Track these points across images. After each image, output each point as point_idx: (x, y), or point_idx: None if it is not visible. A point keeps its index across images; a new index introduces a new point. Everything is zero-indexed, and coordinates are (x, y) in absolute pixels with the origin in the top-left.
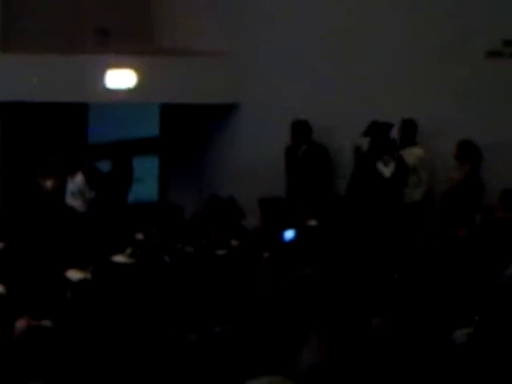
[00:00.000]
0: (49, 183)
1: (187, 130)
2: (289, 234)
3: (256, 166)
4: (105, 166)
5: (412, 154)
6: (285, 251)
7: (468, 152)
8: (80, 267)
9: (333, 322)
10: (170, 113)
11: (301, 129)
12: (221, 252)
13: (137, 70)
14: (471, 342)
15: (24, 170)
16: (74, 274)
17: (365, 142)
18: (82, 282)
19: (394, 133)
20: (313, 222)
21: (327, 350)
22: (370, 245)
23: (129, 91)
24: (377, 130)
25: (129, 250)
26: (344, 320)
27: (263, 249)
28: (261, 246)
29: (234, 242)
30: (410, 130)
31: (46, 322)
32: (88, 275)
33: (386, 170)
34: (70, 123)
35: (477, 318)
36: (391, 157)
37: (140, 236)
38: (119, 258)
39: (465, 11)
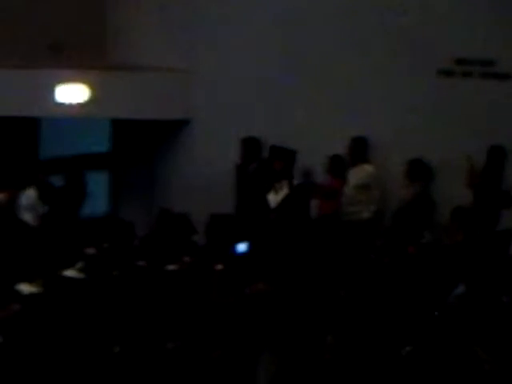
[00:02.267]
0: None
1: (138, 146)
2: (241, 247)
3: (206, 182)
4: (57, 180)
5: (363, 172)
6: (238, 264)
7: (418, 170)
8: (31, 281)
9: (285, 338)
10: (121, 128)
11: (251, 146)
12: (172, 267)
13: (88, 84)
14: (416, 356)
15: None
16: (24, 288)
17: None
18: (32, 295)
19: (343, 150)
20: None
21: (279, 367)
22: (317, 262)
23: (80, 106)
24: (276, 155)
25: (79, 265)
26: (296, 337)
27: (215, 262)
28: (212, 259)
29: (186, 258)
30: (359, 147)
31: None
32: (38, 289)
33: (274, 199)
34: (22, 138)
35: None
36: (285, 185)
37: (91, 251)
38: (69, 273)
39: (418, 27)
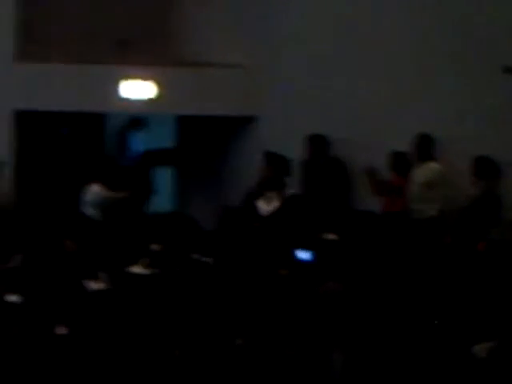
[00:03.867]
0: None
1: (204, 142)
2: (303, 254)
3: None
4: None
5: (429, 169)
6: (303, 270)
7: (485, 168)
8: (96, 277)
9: (356, 337)
10: (188, 124)
11: (318, 142)
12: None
13: (154, 80)
14: (492, 356)
15: (39, 180)
16: (91, 284)
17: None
18: (98, 291)
19: (407, 148)
20: (331, 236)
21: (349, 365)
22: (386, 260)
23: (146, 102)
24: (269, 161)
25: (144, 261)
26: (367, 335)
27: (280, 266)
28: (277, 262)
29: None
30: (425, 145)
31: (61, 330)
32: (104, 285)
33: (265, 208)
34: (88, 133)
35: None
36: (275, 196)
37: (156, 247)
38: (136, 269)
39: (483, 24)
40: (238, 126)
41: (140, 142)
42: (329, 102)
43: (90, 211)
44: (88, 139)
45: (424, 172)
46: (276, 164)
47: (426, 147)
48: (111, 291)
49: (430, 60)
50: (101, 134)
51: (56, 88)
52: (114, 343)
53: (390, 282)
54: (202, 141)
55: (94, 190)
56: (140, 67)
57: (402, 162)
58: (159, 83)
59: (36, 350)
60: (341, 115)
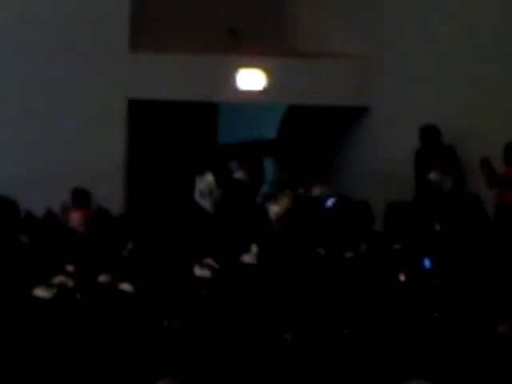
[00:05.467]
0: None
1: (315, 133)
2: (427, 263)
3: (385, 170)
4: (235, 166)
5: None
6: (423, 277)
7: None
8: (204, 266)
9: (458, 330)
10: (299, 115)
11: (429, 133)
12: (349, 254)
13: (267, 70)
14: None
15: (151, 168)
16: (198, 272)
17: None
18: (206, 280)
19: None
20: (436, 227)
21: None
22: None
23: (259, 92)
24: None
25: (254, 250)
26: (469, 327)
27: (399, 269)
28: (398, 266)
29: (362, 246)
30: None
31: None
32: (210, 272)
33: (273, 210)
34: (200, 123)
35: None
36: (287, 195)
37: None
38: (247, 258)
39: None
40: (351, 117)
41: None
42: (442, 91)
43: (202, 200)
44: (201, 129)
45: None
46: (290, 167)
47: None
48: (222, 280)
49: None
50: (213, 124)
51: (169, 77)
52: (223, 331)
53: (498, 274)
54: (314, 131)
55: (206, 180)
56: (253, 57)
57: None
58: (272, 73)
59: (146, 338)
60: (454, 106)
